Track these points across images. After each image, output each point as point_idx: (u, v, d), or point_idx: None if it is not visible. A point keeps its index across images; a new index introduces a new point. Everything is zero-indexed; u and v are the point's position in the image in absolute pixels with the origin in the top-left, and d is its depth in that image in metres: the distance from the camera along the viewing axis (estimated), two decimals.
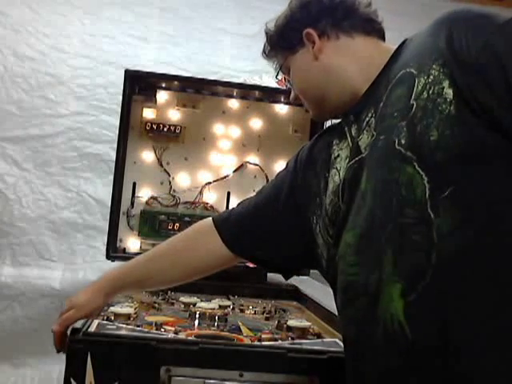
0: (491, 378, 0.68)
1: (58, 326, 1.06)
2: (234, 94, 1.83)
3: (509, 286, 0.69)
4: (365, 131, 0.88)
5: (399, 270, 0.74)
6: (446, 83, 0.75)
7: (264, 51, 1.12)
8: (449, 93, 0.74)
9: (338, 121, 1.04)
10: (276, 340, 1.16)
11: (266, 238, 1.08)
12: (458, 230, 0.71)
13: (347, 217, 0.86)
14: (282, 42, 1.05)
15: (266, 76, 1.89)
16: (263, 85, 1.85)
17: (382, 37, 1.00)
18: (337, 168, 0.94)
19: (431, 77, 0.77)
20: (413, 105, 0.78)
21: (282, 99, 1.84)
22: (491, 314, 0.69)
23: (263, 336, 1.17)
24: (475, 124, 0.72)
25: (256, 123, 1.84)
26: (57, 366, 1.98)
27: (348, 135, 0.95)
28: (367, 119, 0.89)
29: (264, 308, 1.50)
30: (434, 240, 0.71)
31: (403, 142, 0.77)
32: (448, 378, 0.69)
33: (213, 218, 1.14)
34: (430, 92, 0.76)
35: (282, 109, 1.85)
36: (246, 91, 1.83)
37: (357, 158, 0.88)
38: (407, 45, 0.91)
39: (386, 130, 0.82)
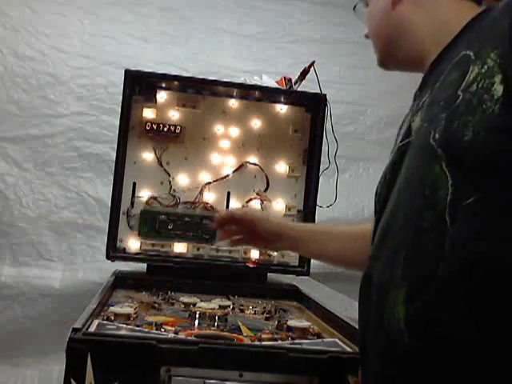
0: None
1: (222, 215, 1.19)
2: (234, 94, 1.83)
3: None
4: (419, 113, 0.82)
5: (406, 275, 0.71)
6: (498, 78, 0.66)
7: None
8: (498, 90, 0.66)
9: None
10: (276, 340, 1.16)
11: None
12: (471, 243, 0.65)
13: (386, 202, 0.82)
14: None
15: (266, 76, 1.89)
16: (263, 85, 1.85)
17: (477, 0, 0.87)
18: (397, 144, 0.88)
19: (485, 67, 0.69)
20: (459, 96, 0.71)
21: (282, 99, 1.84)
22: (487, 344, 0.64)
23: (263, 336, 1.17)
24: None
25: (256, 123, 1.84)
26: (57, 366, 1.99)
27: (411, 109, 0.89)
28: (424, 99, 0.82)
29: (264, 308, 1.50)
30: (444, 250, 0.67)
31: (437, 136, 0.71)
32: None
33: None
34: (480, 85, 0.68)
35: (281, 109, 1.85)
36: (245, 91, 1.83)
37: (405, 141, 0.82)
38: (483, 18, 0.79)
39: (430, 118, 0.75)
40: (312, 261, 1.80)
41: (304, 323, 1.27)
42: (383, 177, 0.88)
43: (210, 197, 1.81)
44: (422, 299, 0.68)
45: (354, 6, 1.02)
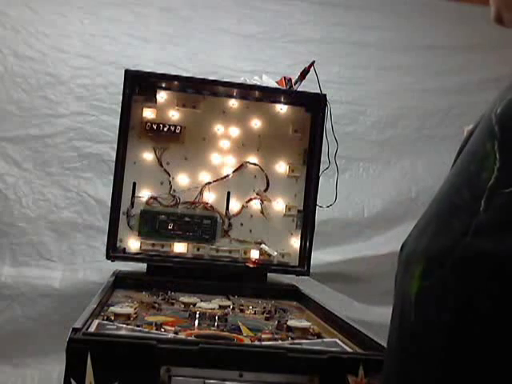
0: None
1: None
2: (234, 94, 1.83)
3: None
4: None
5: (427, 250, 0.67)
6: None
7: None
8: None
9: None
10: (276, 340, 1.16)
11: None
12: (497, 234, 0.61)
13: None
14: None
15: (266, 76, 1.89)
16: (263, 85, 1.85)
17: None
18: None
19: None
20: None
21: (282, 99, 1.84)
22: (496, 333, 0.60)
23: (263, 336, 1.18)
24: None
25: (256, 123, 1.84)
26: (57, 366, 1.99)
27: None
28: None
29: (264, 308, 1.50)
30: (468, 233, 0.62)
31: (499, 111, 0.65)
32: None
33: None
34: None
35: (282, 109, 1.85)
36: (245, 91, 1.83)
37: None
38: None
39: (507, 88, 0.69)
40: (312, 261, 1.80)
41: (304, 323, 1.27)
42: (462, 142, 0.79)
43: (210, 197, 1.82)
44: (434, 278, 0.65)
45: None
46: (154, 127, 1.78)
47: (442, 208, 0.69)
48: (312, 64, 1.80)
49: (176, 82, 1.81)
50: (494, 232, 0.61)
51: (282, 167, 1.85)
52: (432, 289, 0.66)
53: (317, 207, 1.81)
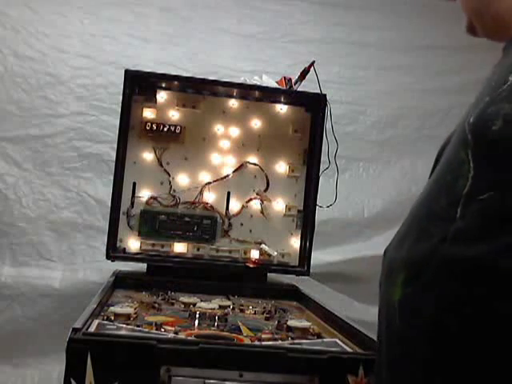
0: None
1: None
2: (234, 94, 1.83)
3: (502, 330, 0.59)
4: (481, 88, 0.75)
5: (408, 258, 0.69)
6: None
7: None
8: None
9: None
10: (276, 340, 1.16)
11: None
12: (475, 240, 0.62)
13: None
14: None
15: (266, 76, 1.89)
16: (263, 85, 1.85)
17: None
18: None
19: None
20: (507, 81, 0.65)
21: (282, 99, 1.84)
22: (475, 336, 0.62)
23: (263, 336, 1.18)
24: None
25: (256, 123, 1.84)
26: (57, 365, 1.99)
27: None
28: (491, 71, 0.76)
29: (264, 308, 1.50)
30: (446, 240, 0.63)
31: (471, 120, 0.66)
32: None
33: None
34: None
35: (282, 109, 1.85)
36: (245, 91, 1.83)
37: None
38: None
39: (477, 98, 0.70)
40: (312, 261, 1.80)
41: (304, 323, 1.27)
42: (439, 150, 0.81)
43: (210, 197, 1.82)
44: (415, 284, 0.67)
45: None
46: (154, 127, 1.78)
47: (421, 215, 0.70)
48: (312, 64, 1.80)
49: (176, 82, 1.81)
50: (470, 238, 0.62)
51: (281, 167, 1.85)
52: (414, 295, 0.67)
53: (317, 207, 1.81)
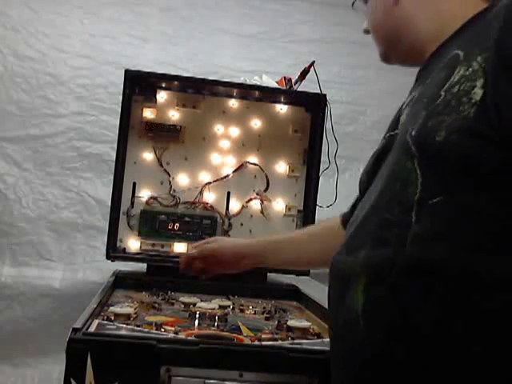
0: None
1: (192, 248, 1.20)
2: (234, 94, 1.83)
3: (467, 319, 0.64)
4: (407, 107, 0.82)
5: (367, 265, 0.73)
6: (480, 82, 0.65)
7: None
8: (478, 93, 0.65)
9: None
10: (276, 340, 1.16)
11: None
12: (432, 241, 0.66)
13: (365, 192, 0.84)
14: None
15: (266, 76, 1.89)
16: (263, 85, 1.85)
17: None
18: (386, 132, 0.89)
19: (470, 69, 0.68)
20: (441, 96, 0.70)
21: (282, 99, 1.84)
22: (438, 341, 0.65)
23: (263, 336, 1.17)
24: (489, 138, 0.63)
25: (256, 123, 1.84)
26: (57, 366, 1.99)
27: (404, 101, 0.88)
28: (414, 94, 0.82)
29: (264, 308, 1.50)
30: (405, 245, 0.68)
31: (413, 133, 0.71)
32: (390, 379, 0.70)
33: (340, 215, 1.16)
34: (461, 87, 0.67)
35: (282, 109, 1.85)
36: (245, 91, 1.83)
37: (393, 133, 0.83)
38: (484, 16, 0.76)
39: (412, 113, 0.76)
40: None
41: (304, 323, 1.27)
42: (368, 165, 0.89)
43: (209, 197, 1.82)
44: (379, 289, 0.70)
45: (353, 3, 1.02)
46: (154, 127, 1.78)
47: (373, 225, 0.74)
48: (312, 64, 1.80)
49: (176, 82, 1.81)
50: (428, 240, 0.67)
51: (281, 167, 1.85)
52: (378, 299, 0.70)
53: (317, 207, 1.81)
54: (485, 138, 0.64)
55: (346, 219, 1.08)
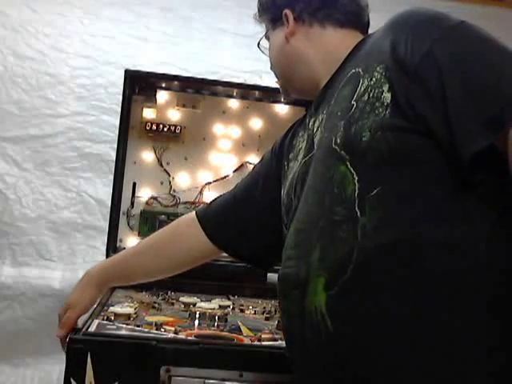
0: (398, 379, 0.70)
1: (60, 330, 1.09)
2: (234, 94, 1.83)
3: (426, 286, 0.70)
4: (319, 128, 0.90)
5: (324, 265, 0.76)
6: (385, 87, 0.76)
7: (256, 14, 1.11)
8: (387, 97, 0.75)
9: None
10: (276, 340, 1.16)
11: (245, 228, 1.14)
12: (380, 229, 0.72)
13: (296, 210, 0.89)
14: (266, 14, 1.07)
15: (266, 76, 1.89)
16: (263, 85, 1.85)
17: (362, 28, 1.01)
18: (298, 160, 0.97)
19: (374, 79, 0.78)
20: (353, 105, 0.80)
21: (282, 99, 1.84)
22: (406, 314, 0.70)
23: (263, 336, 1.17)
24: (408, 130, 0.73)
25: (256, 123, 1.84)
26: (57, 366, 1.98)
27: (307, 128, 0.98)
28: (321, 116, 0.91)
29: (264, 308, 1.50)
30: (357, 237, 0.73)
31: (339, 141, 0.79)
32: (366, 370, 0.72)
33: (196, 211, 1.19)
34: (371, 95, 0.77)
35: (282, 109, 1.85)
36: (246, 91, 1.83)
37: (310, 155, 0.90)
38: (368, 40, 0.92)
39: (329, 128, 0.84)
40: None
41: None
42: (290, 191, 0.95)
43: (210, 197, 1.81)
44: (341, 283, 0.74)
45: (258, 43, 1.12)
46: (154, 127, 1.78)
47: (321, 228, 0.79)
48: None
49: (176, 82, 1.81)
50: (376, 229, 0.72)
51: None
52: (341, 294, 0.73)
53: None
54: (403, 129, 0.73)
55: (202, 215, 1.17)
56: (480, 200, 0.72)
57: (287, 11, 0.99)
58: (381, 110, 0.75)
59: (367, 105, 0.77)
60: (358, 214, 0.74)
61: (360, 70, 0.83)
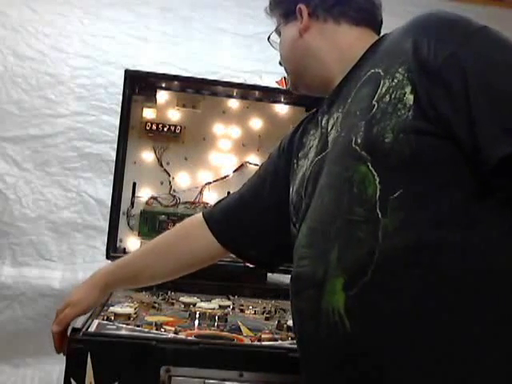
0: (419, 377, 0.70)
1: (56, 325, 1.07)
2: (234, 94, 1.83)
3: (447, 287, 0.70)
4: (334, 126, 0.89)
5: (343, 265, 0.76)
6: (408, 89, 0.76)
7: (267, 8, 1.09)
8: (410, 98, 0.75)
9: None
10: (276, 340, 1.16)
11: (252, 228, 1.12)
12: (401, 230, 0.72)
13: (307, 209, 0.88)
14: (279, 8, 1.05)
15: (266, 76, 1.89)
16: (263, 85, 1.85)
17: (375, 27, 1.00)
18: (309, 158, 0.96)
19: (395, 80, 0.78)
20: (374, 106, 0.79)
21: (282, 99, 1.84)
22: (427, 315, 0.70)
23: (263, 336, 1.17)
24: (430, 132, 0.73)
25: (256, 123, 1.84)
26: (57, 366, 1.98)
27: (319, 126, 0.97)
28: (336, 114, 0.90)
29: (264, 308, 1.50)
30: (378, 238, 0.73)
31: (359, 141, 0.79)
32: (380, 371, 0.72)
33: (202, 212, 1.18)
34: (393, 96, 0.77)
35: (282, 109, 1.85)
36: (246, 91, 1.83)
37: (323, 153, 0.89)
38: (384, 40, 0.91)
39: (347, 127, 0.84)
40: None
41: None
42: (300, 189, 0.94)
43: (209, 197, 1.81)
44: (361, 284, 0.73)
45: (268, 37, 1.10)
46: (154, 127, 1.78)
47: (336, 228, 0.78)
48: None
49: (176, 82, 1.81)
50: (398, 231, 0.72)
51: None
52: (361, 295, 0.73)
53: None
54: (425, 132, 0.73)
55: (209, 216, 1.15)
56: (498, 204, 0.72)
57: (302, 6, 0.98)
58: (403, 111, 0.75)
59: (389, 106, 0.77)
60: (380, 215, 0.73)
61: (380, 71, 0.82)
